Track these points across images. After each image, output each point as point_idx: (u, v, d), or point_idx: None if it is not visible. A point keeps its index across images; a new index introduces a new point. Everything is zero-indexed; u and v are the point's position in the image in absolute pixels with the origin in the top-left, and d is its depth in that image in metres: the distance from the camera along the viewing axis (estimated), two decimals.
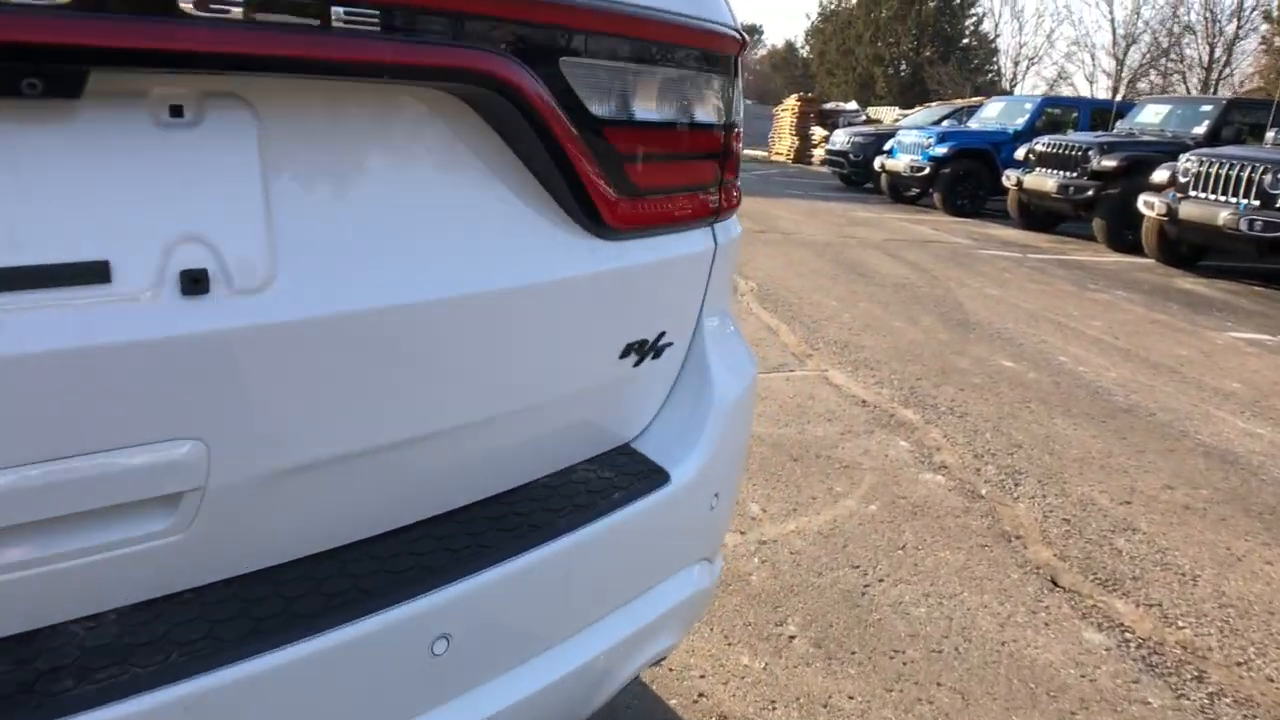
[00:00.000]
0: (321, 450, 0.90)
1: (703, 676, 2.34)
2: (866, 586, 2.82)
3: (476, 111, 0.95)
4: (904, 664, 2.44)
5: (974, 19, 43.29)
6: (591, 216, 1.08)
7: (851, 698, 2.29)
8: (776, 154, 29.33)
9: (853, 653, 2.47)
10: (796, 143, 27.72)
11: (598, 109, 1.03)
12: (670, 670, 2.36)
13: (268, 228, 0.81)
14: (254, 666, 0.84)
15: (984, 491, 3.59)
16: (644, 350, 1.25)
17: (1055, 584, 2.91)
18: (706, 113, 1.20)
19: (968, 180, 14.79)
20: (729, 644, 2.48)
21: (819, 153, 24.52)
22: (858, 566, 2.94)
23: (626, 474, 1.22)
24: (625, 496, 1.17)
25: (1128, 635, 2.64)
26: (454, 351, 0.98)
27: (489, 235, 1.00)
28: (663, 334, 1.27)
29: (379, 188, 0.90)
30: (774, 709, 2.23)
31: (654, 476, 1.23)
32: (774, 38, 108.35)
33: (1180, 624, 2.72)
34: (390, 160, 0.91)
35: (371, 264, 0.89)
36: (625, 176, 1.10)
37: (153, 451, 0.79)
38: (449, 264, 0.96)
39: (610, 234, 1.12)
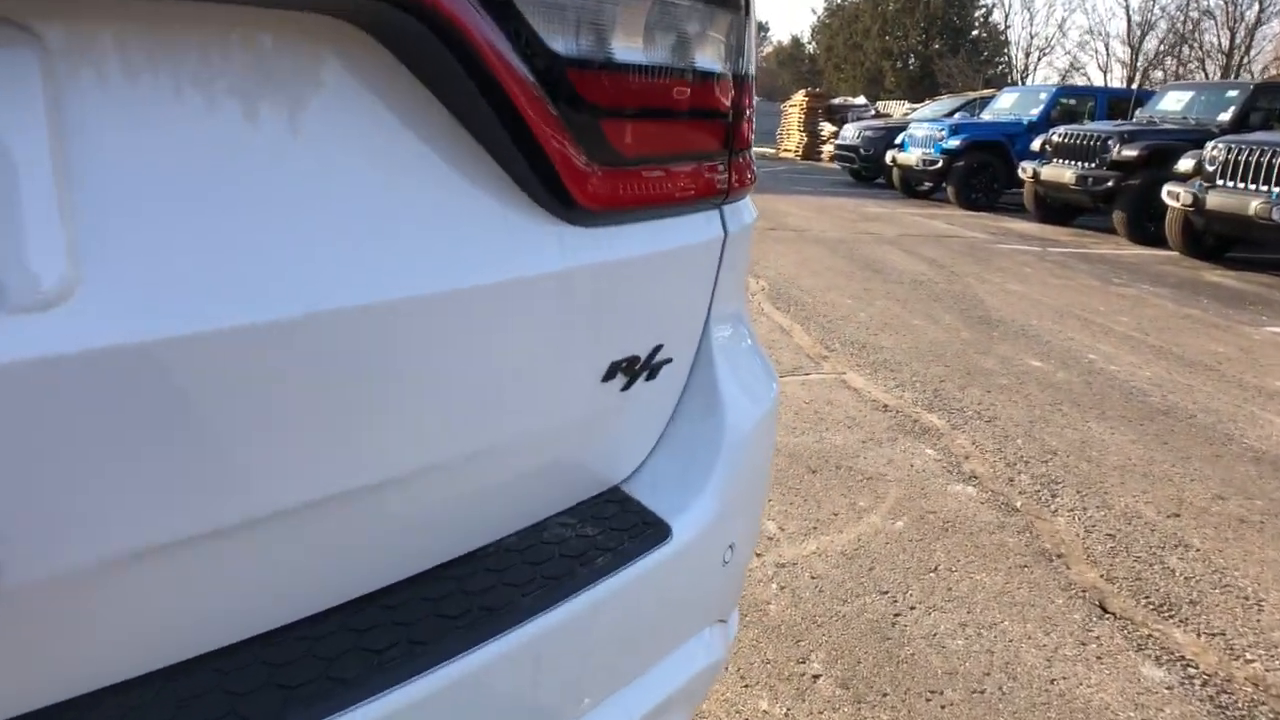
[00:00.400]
0: (164, 530, 0.63)
1: None
2: (897, 615, 2.55)
3: (387, 48, 0.68)
4: (942, 707, 2.17)
5: (983, 10, 42.88)
6: (557, 194, 0.81)
7: None
8: (785, 150, 28.98)
9: (884, 695, 2.20)
10: (805, 139, 27.38)
11: (561, 45, 0.76)
12: None
13: (61, 214, 0.54)
14: None
15: (1019, 504, 3.31)
16: (634, 370, 0.98)
17: (1104, 610, 2.63)
18: (710, 57, 0.93)
19: (982, 173, 14.47)
20: (746, 685, 2.22)
21: (828, 149, 24.20)
22: (886, 592, 2.67)
23: (615, 530, 0.95)
24: (613, 560, 0.90)
25: (1191, 670, 2.36)
26: (359, 384, 0.71)
27: (409, 221, 0.72)
28: (658, 348, 1.01)
29: (238, 157, 0.62)
30: None
31: (650, 531, 0.96)
32: (780, 34, 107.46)
33: (1248, 656, 2.44)
34: (256, 118, 0.63)
35: (226, 266, 0.62)
36: (602, 140, 0.82)
37: None
38: (348, 262, 0.68)
39: (584, 218, 0.85)
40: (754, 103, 1.05)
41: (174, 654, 0.70)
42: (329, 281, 0.67)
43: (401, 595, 0.81)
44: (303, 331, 0.65)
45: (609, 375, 0.95)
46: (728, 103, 0.97)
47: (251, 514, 0.68)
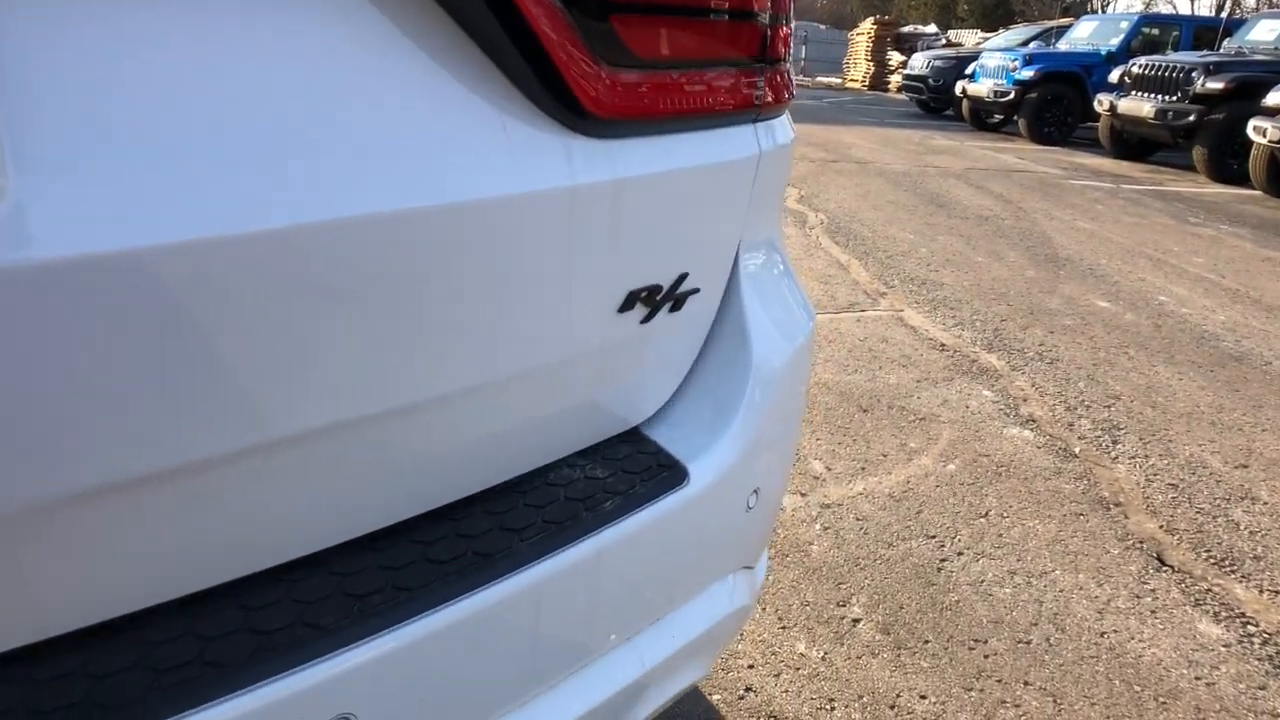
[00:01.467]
0: (118, 466, 0.58)
1: (751, 666, 2.04)
2: (943, 561, 2.48)
3: None
4: (985, 657, 2.10)
5: None
6: (563, 100, 0.73)
7: (924, 697, 1.97)
8: (851, 80, 28.15)
9: (926, 642, 2.14)
10: (872, 68, 26.56)
11: None
12: None
13: None
14: None
15: (1078, 450, 3.19)
16: (656, 301, 0.91)
17: (1162, 562, 2.53)
18: None
19: (1056, 106, 13.89)
20: (783, 627, 2.18)
21: (895, 79, 23.49)
22: (933, 536, 2.59)
23: (627, 472, 0.89)
24: (622, 505, 0.84)
25: (1250, 629, 2.26)
26: (336, 308, 0.65)
27: (393, 125, 0.65)
28: (683, 277, 0.93)
29: (202, 41, 0.56)
30: (832, 709, 1.92)
31: (665, 474, 0.90)
32: None
33: None
34: (239, 18, 0.56)
35: (190, 168, 0.56)
36: (613, 38, 0.74)
37: None
38: (324, 169, 0.61)
39: (596, 128, 0.77)
40: (791, 10, 0.95)
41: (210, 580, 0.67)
42: (316, 191, 0.60)
43: (392, 539, 0.76)
44: (287, 243, 0.59)
45: (626, 305, 0.88)
46: (763, 4, 0.88)
47: (242, 443, 0.63)
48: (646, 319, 0.91)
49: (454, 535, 0.77)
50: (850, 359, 3.95)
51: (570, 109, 0.74)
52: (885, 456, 3.07)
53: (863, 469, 2.97)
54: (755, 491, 1.03)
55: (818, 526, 2.61)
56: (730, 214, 0.98)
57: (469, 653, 0.75)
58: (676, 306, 0.95)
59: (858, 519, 2.66)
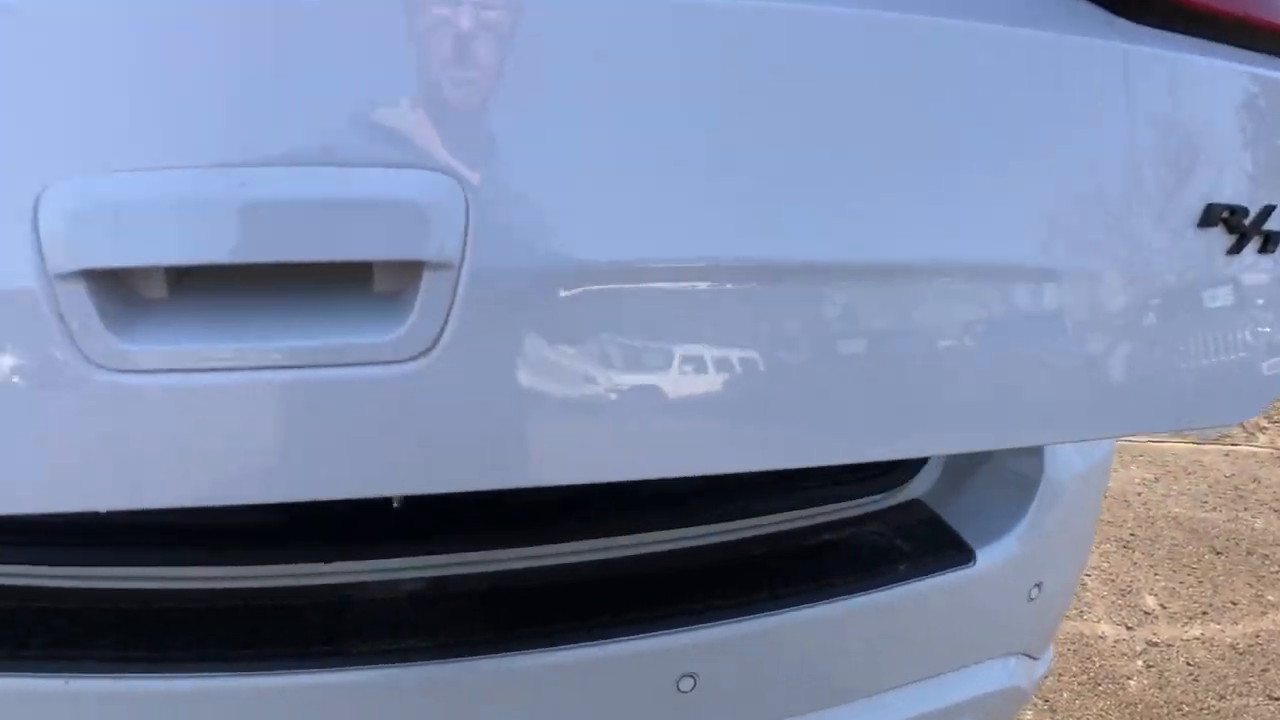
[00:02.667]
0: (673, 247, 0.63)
1: None
2: None
3: None
4: None
5: None
6: None
7: None
8: None
9: None
10: None
11: None
12: None
13: None
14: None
15: None
16: (1244, 228, 0.78)
17: None
18: None
19: None
20: None
21: None
22: (1277, 699, 2.40)
23: (919, 541, 1.08)
24: (911, 570, 1.03)
25: None
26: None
27: None
28: (1270, 211, 0.79)
29: None
30: None
31: (953, 553, 1.07)
32: None
33: None
34: None
35: None
36: None
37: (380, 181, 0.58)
38: None
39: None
40: None
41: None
42: None
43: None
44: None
45: (1207, 220, 0.76)
46: None
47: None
48: (1235, 249, 0.79)
49: (797, 549, 1.01)
50: (1210, 495, 3.68)
51: None
52: (1234, 604, 2.86)
53: (1204, 613, 2.80)
54: (1038, 585, 1.16)
55: (1140, 662, 2.52)
56: None
57: (786, 653, 0.97)
58: (1269, 246, 0.81)
59: (1189, 664, 2.53)
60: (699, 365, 0.67)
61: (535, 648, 0.86)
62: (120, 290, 0.60)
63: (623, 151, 0.62)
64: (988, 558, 1.08)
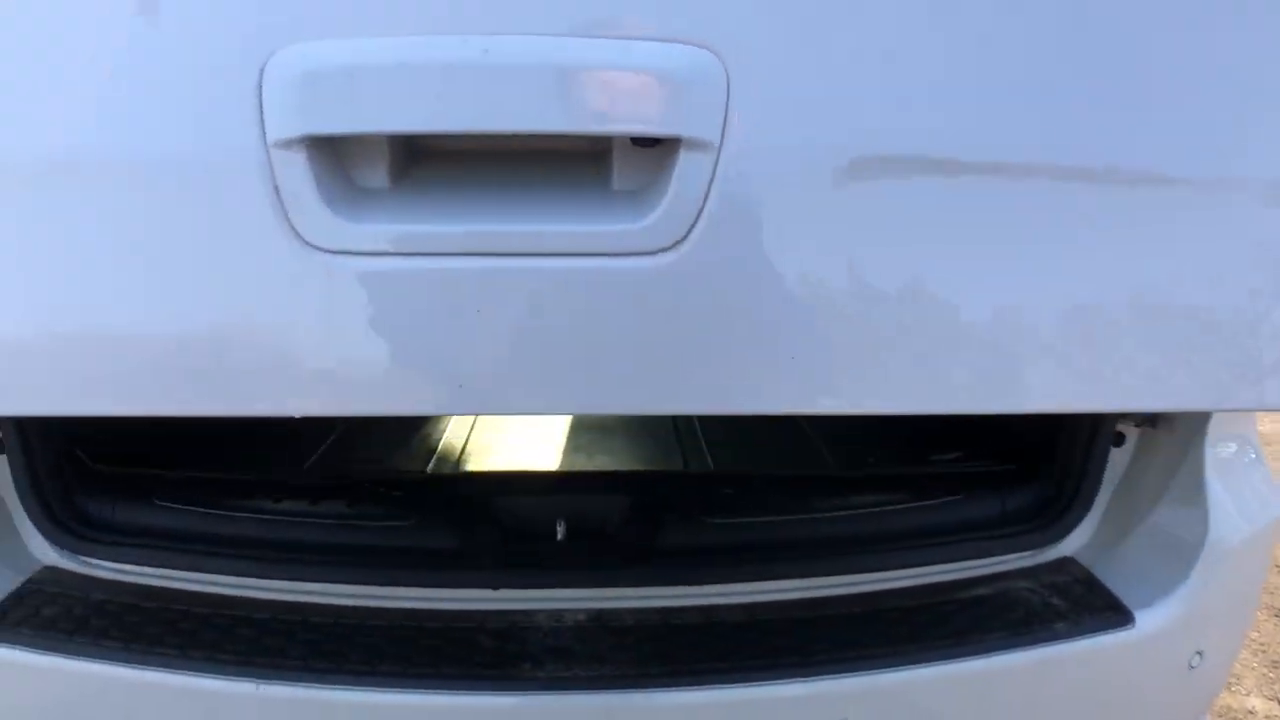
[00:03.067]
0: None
1: None
2: None
3: None
4: None
5: None
6: None
7: None
8: None
9: None
10: None
11: None
12: None
13: None
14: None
15: None
16: None
17: None
18: None
19: None
20: None
21: None
22: None
23: (1073, 600, 1.06)
24: (1069, 629, 1.01)
25: None
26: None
27: None
28: None
29: None
30: None
31: (1111, 615, 1.05)
32: None
33: None
34: None
35: None
36: None
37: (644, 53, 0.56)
38: None
39: None
40: None
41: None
42: None
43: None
44: None
45: None
46: None
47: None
48: None
49: (947, 603, 1.02)
50: None
51: None
52: None
53: None
54: (1199, 653, 1.12)
55: None
56: None
57: (939, 705, 0.97)
58: None
59: None
60: (1006, 277, 0.67)
61: (696, 685, 0.89)
62: (341, 174, 0.56)
63: (906, 37, 0.61)
64: (1148, 620, 1.05)
